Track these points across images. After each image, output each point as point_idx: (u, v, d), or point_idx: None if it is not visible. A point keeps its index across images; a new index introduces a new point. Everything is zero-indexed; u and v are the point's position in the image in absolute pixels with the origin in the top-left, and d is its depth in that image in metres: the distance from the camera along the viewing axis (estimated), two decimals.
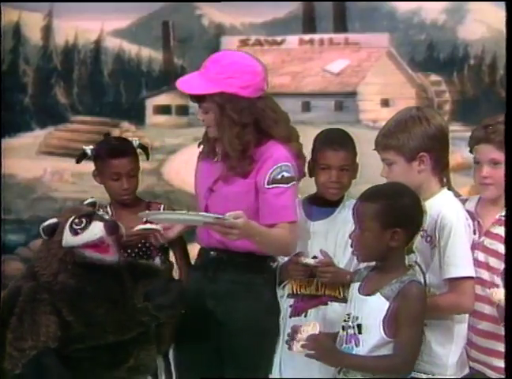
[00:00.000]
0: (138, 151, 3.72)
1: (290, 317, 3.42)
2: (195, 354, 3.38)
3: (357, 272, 3.06)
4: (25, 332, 3.10)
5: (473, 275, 3.08)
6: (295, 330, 2.93)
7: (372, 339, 2.85)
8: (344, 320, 2.95)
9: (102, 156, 3.67)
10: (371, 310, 2.87)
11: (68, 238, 3.15)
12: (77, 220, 3.15)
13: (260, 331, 3.33)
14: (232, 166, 3.28)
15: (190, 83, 3.29)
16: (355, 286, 2.98)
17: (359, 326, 2.88)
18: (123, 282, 3.23)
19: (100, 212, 3.28)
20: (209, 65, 3.27)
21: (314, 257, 3.37)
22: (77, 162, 3.74)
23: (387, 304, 2.84)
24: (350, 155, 3.42)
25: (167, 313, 3.24)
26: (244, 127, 3.25)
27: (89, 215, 3.17)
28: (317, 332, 2.91)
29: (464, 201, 3.26)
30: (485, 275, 3.13)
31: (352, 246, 3.00)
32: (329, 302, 3.38)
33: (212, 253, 3.33)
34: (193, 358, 3.40)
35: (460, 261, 3.05)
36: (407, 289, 2.83)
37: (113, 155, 3.65)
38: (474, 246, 3.15)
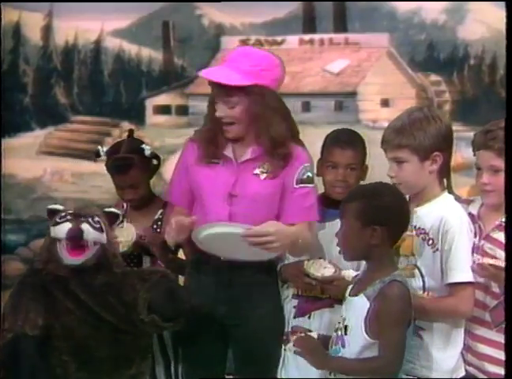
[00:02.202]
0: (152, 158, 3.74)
1: (294, 317, 3.42)
2: (201, 359, 3.38)
3: (356, 276, 3.07)
4: (6, 314, 3.12)
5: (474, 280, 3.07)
6: (294, 331, 2.95)
7: (357, 340, 2.84)
8: (338, 322, 2.96)
9: (107, 167, 3.71)
10: (355, 311, 2.88)
11: (50, 227, 3.19)
12: (64, 213, 3.16)
13: (275, 328, 3.38)
14: (270, 164, 3.27)
15: (222, 74, 3.23)
16: (349, 288, 3.00)
17: (346, 327, 2.89)
18: (111, 279, 3.23)
19: (95, 219, 3.23)
20: (239, 58, 3.26)
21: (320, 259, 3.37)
22: (95, 158, 3.78)
23: (368, 304, 2.84)
24: (358, 155, 3.41)
25: (176, 324, 3.22)
26: (285, 118, 3.29)
27: (76, 214, 3.17)
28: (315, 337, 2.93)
29: (468, 203, 3.24)
30: (481, 279, 3.10)
31: (337, 245, 3.03)
32: (335, 305, 3.34)
33: (222, 258, 3.30)
34: (199, 362, 3.40)
35: (462, 266, 3.04)
36: (387, 289, 2.83)
37: (115, 171, 3.68)
38: (473, 249, 3.13)
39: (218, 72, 3.26)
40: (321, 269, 3.26)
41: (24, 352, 3.07)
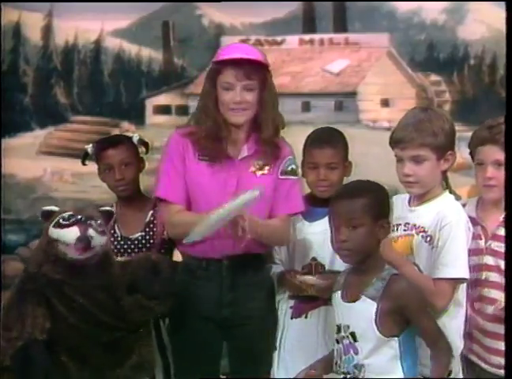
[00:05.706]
0: (140, 150, 3.72)
1: (291, 318, 3.41)
2: (196, 359, 3.36)
3: (335, 281, 3.00)
4: (11, 323, 3.10)
5: (458, 276, 3.04)
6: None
7: (369, 342, 2.82)
8: (336, 333, 2.92)
9: (97, 151, 3.69)
10: (360, 315, 2.84)
11: (50, 227, 3.14)
12: (67, 216, 3.14)
13: (273, 326, 3.41)
14: (263, 159, 3.27)
15: (246, 53, 3.21)
16: (338, 294, 2.94)
17: (353, 334, 2.85)
18: (109, 280, 3.21)
19: (98, 222, 3.22)
20: (245, 46, 3.31)
21: (314, 259, 3.36)
22: (83, 163, 3.76)
23: (375, 305, 2.81)
24: (338, 153, 3.38)
25: (161, 301, 3.20)
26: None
27: (81, 220, 3.15)
28: None
29: (462, 206, 3.25)
30: (497, 278, 3.11)
31: (338, 249, 2.89)
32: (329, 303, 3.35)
33: (224, 262, 3.28)
34: (193, 363, 3.38)
35: (450, 262, 3.02)
36: (394, 286, 2.81)
37: (103, 147, 3.67)
38: (482, 251, 3.14)
39: (240, 51, 3.23)
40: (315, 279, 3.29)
41: (37, 357, 3.05)
